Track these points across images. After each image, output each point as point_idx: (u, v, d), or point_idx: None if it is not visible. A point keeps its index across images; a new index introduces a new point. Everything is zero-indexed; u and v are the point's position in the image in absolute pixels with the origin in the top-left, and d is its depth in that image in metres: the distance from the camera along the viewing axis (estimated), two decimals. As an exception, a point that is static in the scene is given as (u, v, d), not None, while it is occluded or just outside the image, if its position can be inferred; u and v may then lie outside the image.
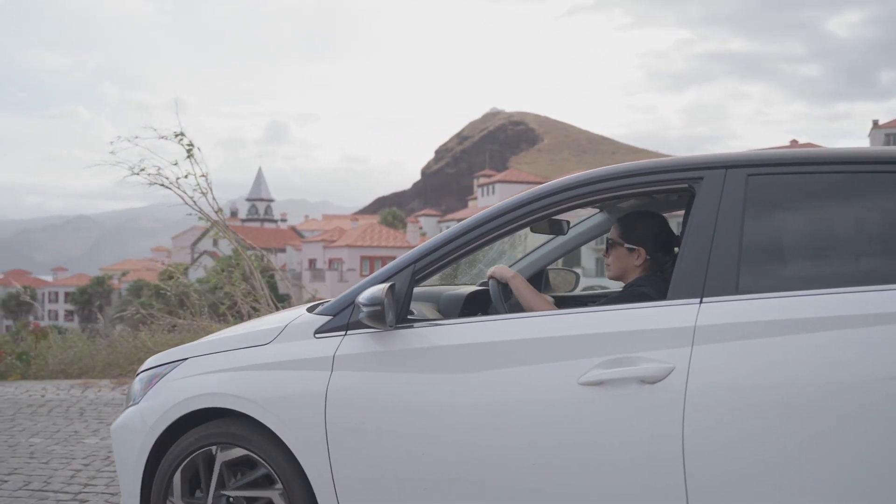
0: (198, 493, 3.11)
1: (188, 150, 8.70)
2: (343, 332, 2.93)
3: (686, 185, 2.78)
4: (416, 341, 2.84)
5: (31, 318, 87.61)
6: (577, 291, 4.48)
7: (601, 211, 4.02)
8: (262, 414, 2.93)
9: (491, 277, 3.31)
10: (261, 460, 2.98)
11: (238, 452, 3.01)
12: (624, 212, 3.71)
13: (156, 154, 8.78)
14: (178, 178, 8.72)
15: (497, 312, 3.23)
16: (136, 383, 3.36)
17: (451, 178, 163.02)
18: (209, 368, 3.12)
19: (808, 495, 2.41)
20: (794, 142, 52.74)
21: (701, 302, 2.58)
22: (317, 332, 2.98)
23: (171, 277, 9.83)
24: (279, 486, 2.97)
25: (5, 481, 4.70)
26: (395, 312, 2.82)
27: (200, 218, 9.21)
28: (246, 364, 3.04)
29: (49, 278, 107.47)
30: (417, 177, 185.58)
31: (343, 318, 2.95)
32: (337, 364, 2.89)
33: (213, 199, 9.02)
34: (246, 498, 3.04)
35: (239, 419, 3.02)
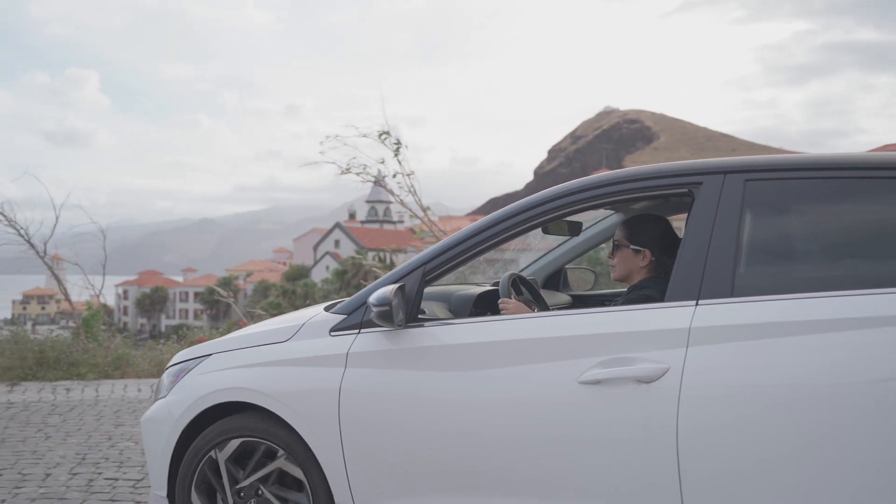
0: (219, 501, 3.25)
1: (395, 149, 8.50)
2: (357, 331, 3.06)
3: (686, 190, 2.83)
4: (425, 340, 2.95)
5: (163, 316, 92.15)
6: (595, 291, 4.52)
7: (616, 213, 4.07)
8: (280, 408, 3.08)
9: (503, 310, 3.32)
10: (259, 440, 3.13)
11: (234, 444, 3.16)
12: (631, 214, 3.74)
13: (362, 153, 8.65)
14: (384, 177, 8.62)
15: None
16: (165, 377, 3.54)
17: (565, 178, 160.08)
18: (231, 364, 3.28)
19: (799, 493, 2.44)
20: (935, 134, 49.33)
21: (697, 304, 2.63)
22: (332, 330, 3.11)
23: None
24: (281, 453, 3.12)
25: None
26: (404, 312, 2.93)
27: (412, 216, 9.19)
28: (265, 360, 3.19)
29: (179, 278, 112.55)
30: (529, 177, 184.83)
31: (357, 317, 3.08)
32: (350, 361, 3.02)
33: (418, 197, 8.88)
34: (259, 479, 3.17)
35: (255, 414, 3.17)
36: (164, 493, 3.33)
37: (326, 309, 3.31)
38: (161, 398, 3.46)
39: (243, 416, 3.19)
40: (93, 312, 10.91)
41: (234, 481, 3.20)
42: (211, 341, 3.56)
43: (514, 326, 2.89)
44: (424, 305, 3.11)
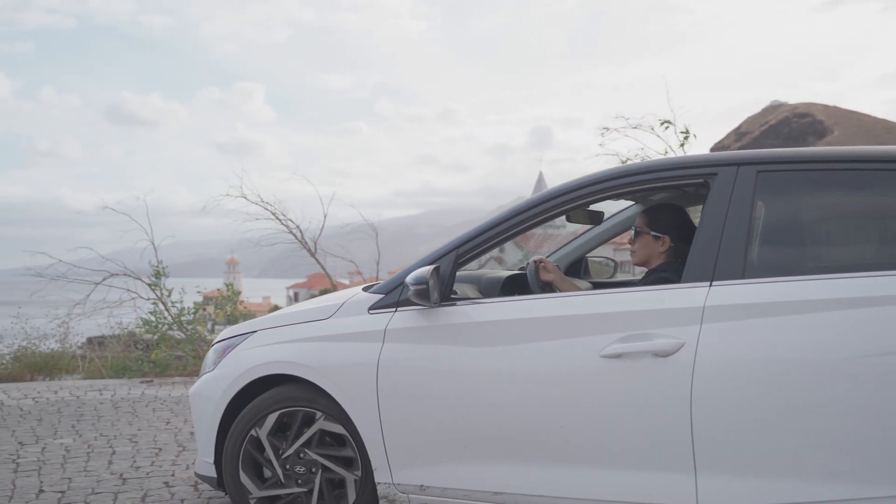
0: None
1: (683, 139, 8.05)
2: (394, 309, 3.28)
3: (702, 181, 3.05)
4: (458, 317, 3.16)
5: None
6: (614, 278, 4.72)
7: (636, 203, 4.27)
8: (322, 380, 3.30)
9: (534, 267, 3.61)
10: (352, 442, 3.32)
11: (338, 428, 3.36)
12: (651, 203, 3.95)
13: (645, 145, 8.30)
14: None
15: (533, 293, 3.51)
16: (211, 353, 3.76)
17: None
18: (276, 340, 3.50)
19: (798, 454, 2.67)
20: None
21: (711, 285, 2.85)
22: (371, 308, 3.33)
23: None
24: (358, 472, 3.32)
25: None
26: (439, 291, 3.15)
27: None
28: (308, 336, 3.41)
29: (346, 281, 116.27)
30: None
31: (394, 297, 3.30)
32: (388, 337, 3.24)
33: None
34: (322, 465, 3.38)
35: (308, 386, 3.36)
36: (212, 459, 3.55)
37: (364, 289, 3.53)
38: (207, 373, 3.68)
39: (300, 387, 3.38)
40: None
41: (307, 443, 3.40)
42: (253, 320, 3.78)
43: (542, 305, 3.10)
44: (456, 287, 3.32)
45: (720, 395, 2.75)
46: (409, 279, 3.13)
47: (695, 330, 2.79)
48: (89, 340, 11.98)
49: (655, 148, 8.17)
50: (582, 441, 2.94)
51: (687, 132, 7.95)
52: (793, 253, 2.99)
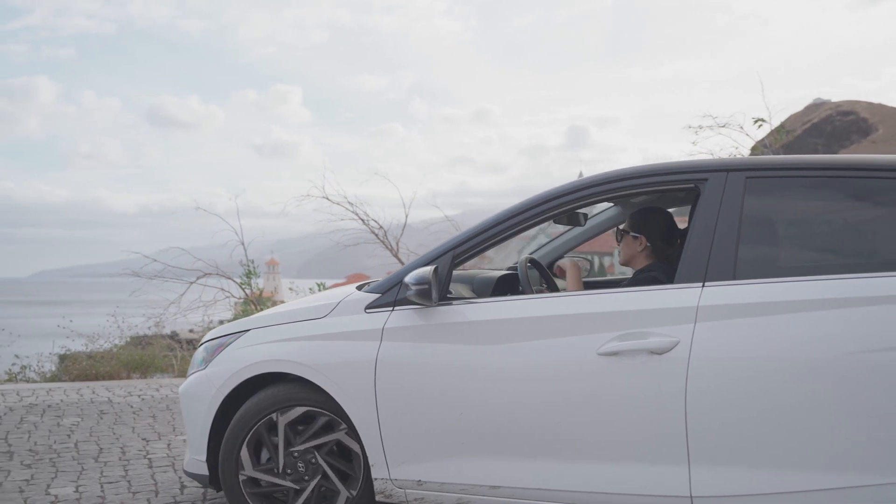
0: (264, 456, 3.44)
1: (779, 134, 8.08)
2: (391, 308, 3.33)
3: (692, 185, 3.17)
4: (455, 316, 3.22)
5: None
6: (601, 277, 4.86)
7: (615, 205, 4.42)
8: (319, 378, 3.33)
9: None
10: (322, 411, 3.36)
11: (298, 411, 3.38)
12: (636, 206, 4.10)
13: (735, 141, 8.34)
14: None
15: (525, 293, 3.59)
16: (201, 351, 3.75)
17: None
18: (271, 338, 3.51)
19: (788, 446, 2.80)
20: None
21: (703, 285, 2.97)
22: (367, 307, 3.37)
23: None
24: (343, 426, 3.36)
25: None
26: (438, 291, 3.20)
27: None
28: (304, 335, 3.44)
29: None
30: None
31: (391, 296, 3.34)
32: (386, 335, 3.28)
33: None
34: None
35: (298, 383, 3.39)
36: (204, 458, 3.54)
37: (358, 288, 3.58)
38: (198, 371, 3.67)
39: (301, 386, 3.39)
40: None
41: (288, 444, 3.41)
42: (245, 318, 3.79)
43: (539, 304, 3.18)
44: (450, 287, 3.37)
45: (713, 391, 2.86)
46: (410, 279, 3.18)
47: (689, 329, 2.90)
48: (133, 339, 12.18)
49: (746, 145, 8.26)
50: (579, 435, 3.03)
51: (783, 129, 8.03)
52: (781, 255, 3.14)
